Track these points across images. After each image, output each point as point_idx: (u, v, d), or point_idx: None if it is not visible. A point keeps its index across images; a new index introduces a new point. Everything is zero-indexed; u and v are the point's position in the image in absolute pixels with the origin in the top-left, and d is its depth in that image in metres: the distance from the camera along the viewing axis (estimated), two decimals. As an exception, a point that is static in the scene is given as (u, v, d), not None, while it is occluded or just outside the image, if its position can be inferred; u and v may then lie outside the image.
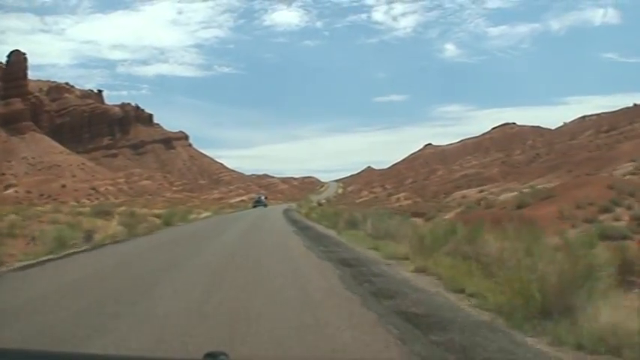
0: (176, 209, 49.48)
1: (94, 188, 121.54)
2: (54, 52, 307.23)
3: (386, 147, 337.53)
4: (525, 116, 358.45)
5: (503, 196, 49.03)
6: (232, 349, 4.57)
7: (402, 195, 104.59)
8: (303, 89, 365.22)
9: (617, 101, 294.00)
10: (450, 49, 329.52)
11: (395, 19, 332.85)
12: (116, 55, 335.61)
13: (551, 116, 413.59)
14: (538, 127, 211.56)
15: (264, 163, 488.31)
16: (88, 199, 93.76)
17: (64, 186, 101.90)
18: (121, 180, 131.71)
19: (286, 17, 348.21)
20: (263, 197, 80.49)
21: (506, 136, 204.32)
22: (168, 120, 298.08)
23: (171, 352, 4.81)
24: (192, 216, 45.04)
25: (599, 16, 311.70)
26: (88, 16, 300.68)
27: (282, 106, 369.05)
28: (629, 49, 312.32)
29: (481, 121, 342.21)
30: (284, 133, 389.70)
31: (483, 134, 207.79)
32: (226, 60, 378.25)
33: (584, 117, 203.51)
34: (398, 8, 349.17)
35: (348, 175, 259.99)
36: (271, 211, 59.16)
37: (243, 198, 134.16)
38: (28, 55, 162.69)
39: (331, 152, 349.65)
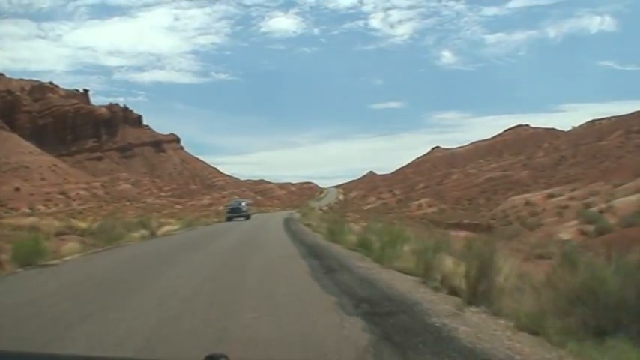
0: (117, 221, 31.89)
1: (63, 193, 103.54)
2: (51, 58, 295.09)
3: (383, 154, 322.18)
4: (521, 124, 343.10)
5: (617, 202, 31.63)
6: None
7: (423, 201, 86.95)
8: (300, 96, 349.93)
9: (613, 109, 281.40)
10: (447, 56, 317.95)
11: (392, 26, 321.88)
12: (113, 61, 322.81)
13: (548, 124, 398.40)
14: (552, 129, 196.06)
15: (260, 170, 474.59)
16: (45, 205, 75.95)
17: (17, 189, 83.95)
18: (97, 184, 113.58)
19: (283, 24, 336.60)
20: (244, 203, 52.17)
21: (520, 138, 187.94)
22: (164, 127, 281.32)
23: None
24: (139, 234, 27.14)
25: (596, 23, 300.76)
26: (84, 23, 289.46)
27: (279, 113, 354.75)
28: (626, 57, 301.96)
29: (478, 128, 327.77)
30: (281, 140, 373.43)
31: (495, 137, 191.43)
32: (223, 66, 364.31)
33: (593, 121, 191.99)
34: (395, 15, 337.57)
35: (348, 181, 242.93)
36: (264, 223, 41.35)
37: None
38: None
39: (328, 159, 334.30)
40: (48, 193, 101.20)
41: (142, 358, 4.53)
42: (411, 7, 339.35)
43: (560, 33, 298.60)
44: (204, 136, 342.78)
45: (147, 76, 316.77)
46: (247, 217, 48.31)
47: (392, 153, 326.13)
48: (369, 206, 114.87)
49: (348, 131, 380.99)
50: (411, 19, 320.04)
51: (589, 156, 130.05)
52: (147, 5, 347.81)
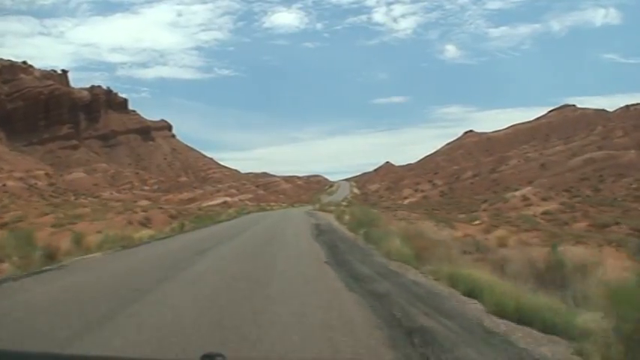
0: None
1: (-13, 184, 71.98)
2: (54, 55, 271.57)
3: (387, 148, 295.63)
4: (526, 117, 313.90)
5: None
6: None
7: (526, 192, 55.00)
8: (303, 91, 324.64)
9: (617, 102, 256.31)
10: (451, 50, 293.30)
11: (395, 20, 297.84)
12: (116, 57, 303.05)
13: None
14: (603, 110, 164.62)
15: (264, 166, 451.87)
16: None
17: None
18: (41, 172, 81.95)
19: (286, 19, 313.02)
20: None
21: (567, 120, 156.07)
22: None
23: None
24: None
25: (600, 16, 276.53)
26: (87, 19, 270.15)
27: (283, 108, 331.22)
28: (629, 50, 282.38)
29: (481, 122, 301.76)
30: (284, 135, 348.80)
31: (538, 118, 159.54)
32: (226, 62, 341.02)
33: (627, 106, 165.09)
34: (398, 9, 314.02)
35: (359, 174, 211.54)
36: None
37: (226, 199, 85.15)
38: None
39: (332, 154, 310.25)
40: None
41: (142, 358, 4.34)
42: (414, 1, 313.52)
43: (564, 26, 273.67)
44: (208, 131, 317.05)
45: (150, 73, 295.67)
46: None
47: (395, 148, 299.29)
48: (407, 200, 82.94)
49: (351, 126, 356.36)
50: (414, 13, 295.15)
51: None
52: (149, 1, 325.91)
